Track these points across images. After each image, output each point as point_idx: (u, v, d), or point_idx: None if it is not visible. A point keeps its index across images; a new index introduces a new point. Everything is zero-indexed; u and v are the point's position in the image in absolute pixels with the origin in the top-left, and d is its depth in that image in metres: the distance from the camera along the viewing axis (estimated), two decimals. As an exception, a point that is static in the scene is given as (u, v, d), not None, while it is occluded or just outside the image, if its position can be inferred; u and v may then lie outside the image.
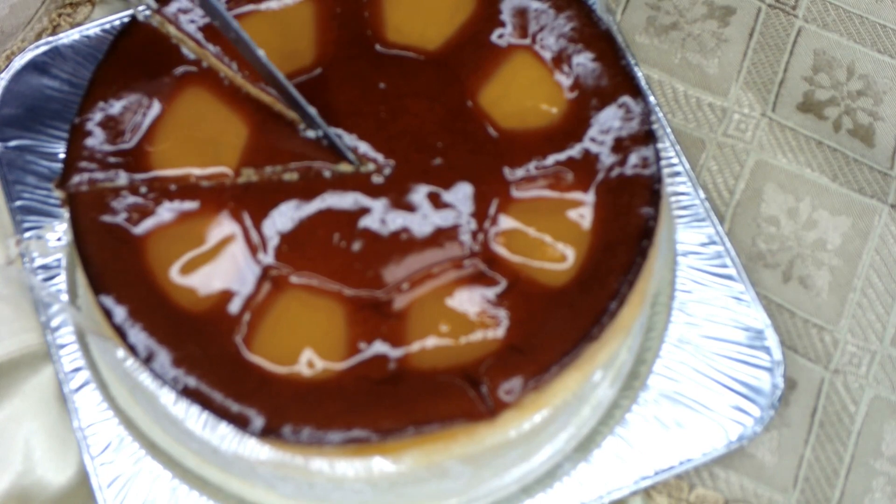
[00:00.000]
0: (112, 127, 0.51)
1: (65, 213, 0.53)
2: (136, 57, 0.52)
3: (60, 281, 0.53)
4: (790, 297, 0.57)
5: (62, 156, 0.54)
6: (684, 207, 0.56)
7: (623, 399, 0.52)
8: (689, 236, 0.56)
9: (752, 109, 0.62)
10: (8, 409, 0.52)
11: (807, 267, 0.58)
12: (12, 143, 0.56)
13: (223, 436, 0.47)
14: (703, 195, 0.57)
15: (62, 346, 0.52)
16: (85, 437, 0.50)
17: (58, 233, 0.54)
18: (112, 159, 0.50)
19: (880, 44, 0.64)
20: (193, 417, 0.47)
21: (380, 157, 0.50)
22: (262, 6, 0.54)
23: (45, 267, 0.54)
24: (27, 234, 0.54)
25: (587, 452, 0.51)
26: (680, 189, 0.57)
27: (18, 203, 0.55)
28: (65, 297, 0.53)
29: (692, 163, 0.59)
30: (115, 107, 0.51)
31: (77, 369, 0.52)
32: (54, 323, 0.53)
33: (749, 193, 0.59)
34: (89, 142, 0.50)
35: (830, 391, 0.55)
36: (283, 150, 0.51)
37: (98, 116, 0.51)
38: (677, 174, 0.57)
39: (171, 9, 0.53)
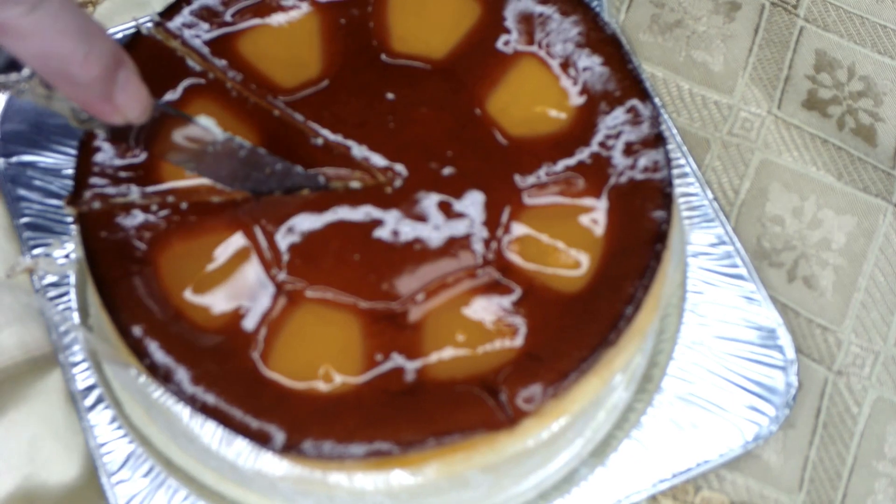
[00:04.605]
0: (121, 141, 0.50)
1: (72, 229, 0.52)
2: (141, 70, 0.51)
3: (70, 299, 0.53)
4: (795, 297, 0.57)
5: (67, 171, 0.53)
6: (693, 208, 0.56)
7: (638, 402, 0.53)
8: (698, 237, 0.56)
9: (759, 106, 0.62)
10: (13, 411, 0.52)
11: (811, 266, 0.58)
12: (15, 159, 0.56)
13: (240, 451, 0.47)
14: (711, 195, 0.57)
15: (74, 365, 0.52)
16: (101, 456, 0.50)
17: (66, 250, 0.53)
18: (123, 174, 0.49)
19: (881, 45, 0.64)
20: (210, 434, 0.47)
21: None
22: (268, 20, 0.54)
23: (54, 285, 0.53)
24: (35, 252, 0.53)
25: (604, 456, 0.51)
26: (688, 190, 0.57)
27: (24, 220, 0.54)
28: (76, 315, 0.52)
29: (697, 162, 0.59)
30: (123, 121, 0.51)
31: (91, 387, 0.51)
32: (66, 340, 0.52)
33: (754, 193, 0.59)
34: (99, 157, 0.50)
35: (834, 392, 0.55)
36: (293, 161, 0.50)
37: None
38: (685, 175, 0.57)
39: (174, 23, 0.52)
